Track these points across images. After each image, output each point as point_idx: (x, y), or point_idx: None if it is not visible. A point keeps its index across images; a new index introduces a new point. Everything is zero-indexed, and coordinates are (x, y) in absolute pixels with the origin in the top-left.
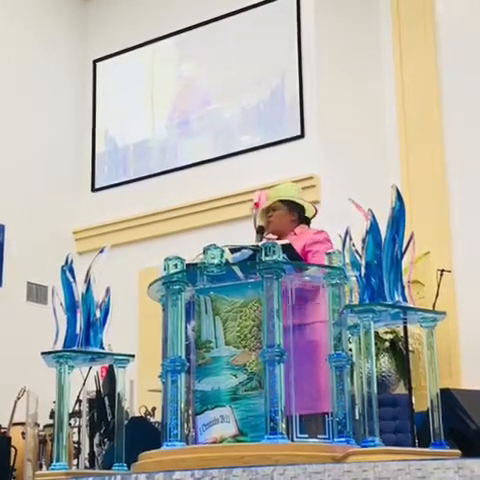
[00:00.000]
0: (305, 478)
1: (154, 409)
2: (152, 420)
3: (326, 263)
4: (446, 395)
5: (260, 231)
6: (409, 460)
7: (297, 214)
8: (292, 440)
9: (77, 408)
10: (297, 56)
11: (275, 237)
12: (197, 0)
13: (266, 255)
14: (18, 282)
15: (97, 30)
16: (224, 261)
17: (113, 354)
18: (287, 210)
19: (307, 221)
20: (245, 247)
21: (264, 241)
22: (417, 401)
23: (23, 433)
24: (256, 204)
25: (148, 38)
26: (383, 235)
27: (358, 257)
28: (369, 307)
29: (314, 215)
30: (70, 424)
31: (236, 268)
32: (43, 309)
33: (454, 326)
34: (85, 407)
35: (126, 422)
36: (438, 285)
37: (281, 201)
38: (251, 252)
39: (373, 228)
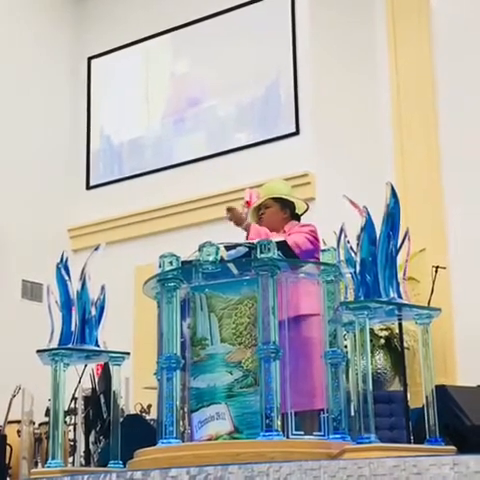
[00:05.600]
0: (301, 475)
1: (149, 406)
2: (148, 417)
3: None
4: (441, 392)
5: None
6: (404, 456)
7: (289, 211)
8: (287, 437)
9: (72, 406)
10: (292, 53)
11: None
12: None
13: (261, 252)
14: (13, 280)
15: (92, 27)
16: (219, 258)
17: (108, 352)
18: (279, 207)
19: (297, 217)
20: (240, 244)
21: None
22: (412, 398)
23: (18, 431)
24: (247, 202)
25: (142, 35)
26: (378, 232)
27: (353, 254)
28: (364, 304)
29: (305, 211)
30: (65, 422)
31: (231, 265)
32: (38, 307)
33: (449, 323)
34: (80, 405)
35: (121, 419)
36: (433, 282)
37: (273, 199)
38: (246, 249)
39: (368, 225)
